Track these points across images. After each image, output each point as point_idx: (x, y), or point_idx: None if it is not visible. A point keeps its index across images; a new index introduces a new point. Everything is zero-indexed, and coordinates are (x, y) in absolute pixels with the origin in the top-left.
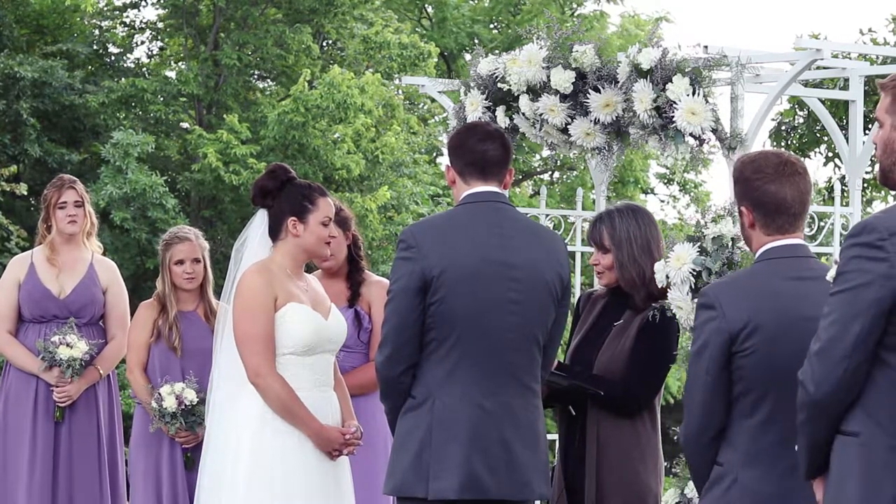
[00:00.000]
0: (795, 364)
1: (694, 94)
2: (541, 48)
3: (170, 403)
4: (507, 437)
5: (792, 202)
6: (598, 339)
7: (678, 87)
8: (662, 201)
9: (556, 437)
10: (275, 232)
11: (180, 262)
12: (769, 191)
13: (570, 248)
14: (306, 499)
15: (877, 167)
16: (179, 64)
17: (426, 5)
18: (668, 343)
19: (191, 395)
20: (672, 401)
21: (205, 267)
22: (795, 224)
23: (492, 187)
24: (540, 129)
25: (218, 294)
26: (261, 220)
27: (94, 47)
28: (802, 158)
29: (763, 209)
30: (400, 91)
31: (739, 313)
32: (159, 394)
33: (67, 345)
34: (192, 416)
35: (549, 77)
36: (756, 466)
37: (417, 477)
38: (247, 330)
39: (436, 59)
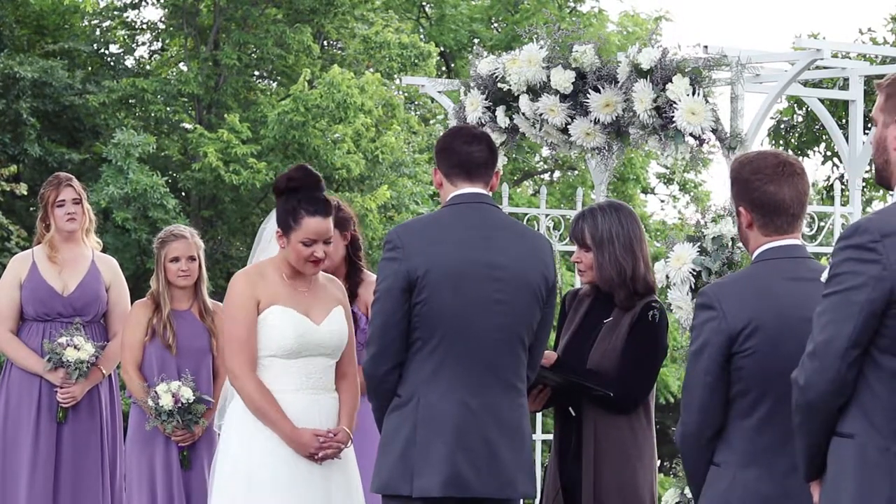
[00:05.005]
0: (795, 364)
1: (694, 94)
2: (541, 48)
3: (166, 401)
4: (491, 436)
5: (791, 203)
6: (587, 337)
7: (678, 87)
8: (662, 201)
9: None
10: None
11: (175, 259)
12: (768, 191)
13: (569, 248)
14: (294, 499)
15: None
16: (180, 64)
17: (424, 4)
18: (659, 339)
19: (187, 393)
20: (672, 400)
21: (200, 265)
22: (794, 224)
23: (477, 189)
24: (540, 129)
25: (218, 295)
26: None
27: (95, 47)
28: (801, 157)
29: (762, 210)
30: (400, 91)
31: (740, 313)
32: (155, 392)
33: (75, 347)
34: (189, 415)
35: (549, 77)
36: (755, 466)
37: (402, 475)
38: (228, 331)
39: (436, 59)
